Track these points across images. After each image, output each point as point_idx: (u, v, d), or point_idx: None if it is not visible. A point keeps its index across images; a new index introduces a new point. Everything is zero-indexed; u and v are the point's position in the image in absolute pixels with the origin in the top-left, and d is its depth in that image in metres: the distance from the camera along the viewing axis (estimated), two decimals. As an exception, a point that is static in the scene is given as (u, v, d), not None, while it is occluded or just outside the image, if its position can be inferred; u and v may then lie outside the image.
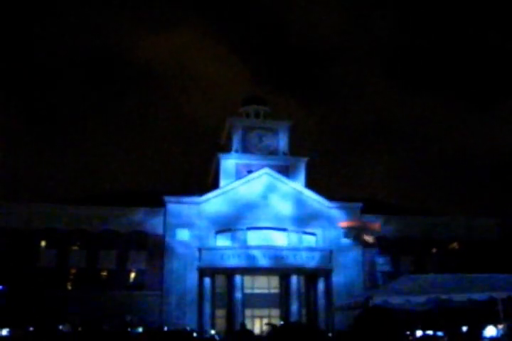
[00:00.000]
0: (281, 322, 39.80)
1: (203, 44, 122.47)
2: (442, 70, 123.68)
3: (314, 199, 50.52)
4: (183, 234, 47.58)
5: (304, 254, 47.74)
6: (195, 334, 33.80)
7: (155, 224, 48.41)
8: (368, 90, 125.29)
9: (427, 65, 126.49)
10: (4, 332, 30.18)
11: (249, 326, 41.81)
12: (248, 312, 46.36)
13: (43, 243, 47.08)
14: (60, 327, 32.86)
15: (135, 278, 47.94)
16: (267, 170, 50.82)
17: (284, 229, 49.04)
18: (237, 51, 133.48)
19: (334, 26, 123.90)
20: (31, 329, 28.51)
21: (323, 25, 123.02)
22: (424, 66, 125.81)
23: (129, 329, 34.80)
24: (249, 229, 48.58)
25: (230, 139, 54.96)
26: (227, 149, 55.04)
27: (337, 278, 48.17)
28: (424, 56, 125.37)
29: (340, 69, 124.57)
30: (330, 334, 33.87)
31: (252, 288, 48.01)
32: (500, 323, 17.02)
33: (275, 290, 48.42)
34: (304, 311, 47.62)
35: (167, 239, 47.49)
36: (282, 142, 55.00)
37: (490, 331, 19.78)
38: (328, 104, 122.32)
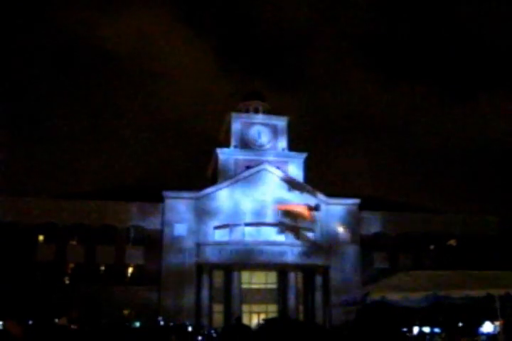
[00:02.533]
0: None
1: (167, 26, 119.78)
2: (427, 63, 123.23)
3: (313, 195, 50.42)
4: (181, 229, 47.56)
5: (302, 250, 47.76)
6: (190, 328, 33.82)
7: (153, 219, 48.40)
8: (350, 83, 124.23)
9: (408, 57, 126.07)
10: None
11: (246, 321, 41.91)
12: (246, 307, 46.42)
13: (42, 237, 47.09)
14: (56, 320, 32.82)
15: (133, 272, 47.97)
16: (265, 165, 50.77)
17: (282, 225, 48.96)
18: (204, 34, 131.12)
19: (312, 15, 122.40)
20: (30, 322, 28.45)
21: (298, 14, 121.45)
22: (406, 58, 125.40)
23: (126, 324, 34.81)
24: (247, 224, 48.56)
25: (229, 134, 54.82)
26: (226, 144, 54.92)
27: (334, 274, 48.22)
28: (405, 48, 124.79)
29: (322, 62, 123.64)
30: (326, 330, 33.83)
31: (250, 283, 48.06)
32: (497, 320, 17.05)
33: (273, 286, 48.46)
34: (301, 307, 47.69)
35: (165, 234, 47.48)
36: (281, 137, 54.88)
37: (487, 327, 19.82)
38: (310, 99, 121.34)
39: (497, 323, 18.56)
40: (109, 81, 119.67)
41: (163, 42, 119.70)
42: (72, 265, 47.28)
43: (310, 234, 49.61)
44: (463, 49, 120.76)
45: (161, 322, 36.38)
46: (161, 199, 48.48)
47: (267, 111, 57.49)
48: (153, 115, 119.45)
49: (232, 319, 41.74)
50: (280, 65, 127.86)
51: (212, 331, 36.54)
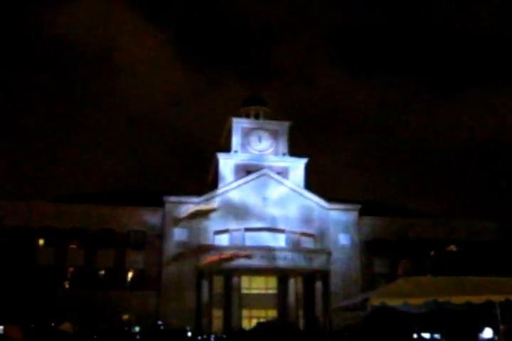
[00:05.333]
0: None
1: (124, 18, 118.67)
2: (411, 58, 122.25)
3: (313, 200, 50.49)
4: (181, 234, 47.53)
5: (302, 255, 47.68)
6: (189, 334, 33.76)
7: (153, 223, 48.38)
8: (326, 79, 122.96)
9: (385, 52, 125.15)
10: None
11: (246, 327, 41.81)
12: (245, 312, 46.32)
13: (42, 241, 47.06)
14: (53, 324, 32.76)
15: (133, 277, 47.89)
16: (266, 170, 50.78)
17: (282, 230, 48.97)
18: (161, 25, 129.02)
19: (279, 6, 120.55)
20: (32, 326, 28.44)
21: (265, 4, 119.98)
22: (383, 53, 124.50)
23: (126, 328, 34.79)
24: (247, 230, 48.54)
25: (229, 139, 54.87)
26: (226, 149, 54.95)
27: (335, 280, 48.14)
28: (382, 43, 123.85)
29: (292, 56, 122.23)
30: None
31: (250, 288, 47.96)
32: (497, 326, 17.05)
33: (273, 291, 48.36)
34: (301, 312, 47.57)
35: (165, 238, 47.45)
36: (282, 142, 54.88)
37: (487, 333, 19.79)
38: (279, 95, 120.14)
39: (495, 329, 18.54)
40: (76, 74, 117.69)
41: (119, 33, 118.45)
42: (71, 269, 47.22)
43: (310, 240, 49.61)
44: (448, 43, 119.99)
45: (161, 327, 36.35)
46: (161, 204, 48.48)
47: (268, 116, 57.56)
48: (127, 111, 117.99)
49: (232, 324, 41.72)
50: (246, 57, 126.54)
51: (212, 336, 36.45)
